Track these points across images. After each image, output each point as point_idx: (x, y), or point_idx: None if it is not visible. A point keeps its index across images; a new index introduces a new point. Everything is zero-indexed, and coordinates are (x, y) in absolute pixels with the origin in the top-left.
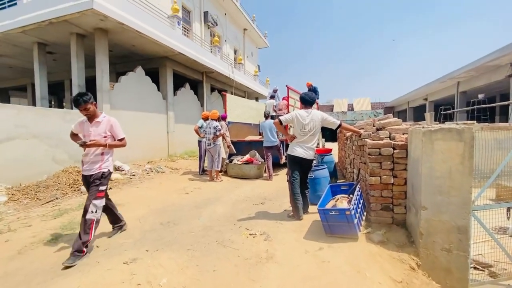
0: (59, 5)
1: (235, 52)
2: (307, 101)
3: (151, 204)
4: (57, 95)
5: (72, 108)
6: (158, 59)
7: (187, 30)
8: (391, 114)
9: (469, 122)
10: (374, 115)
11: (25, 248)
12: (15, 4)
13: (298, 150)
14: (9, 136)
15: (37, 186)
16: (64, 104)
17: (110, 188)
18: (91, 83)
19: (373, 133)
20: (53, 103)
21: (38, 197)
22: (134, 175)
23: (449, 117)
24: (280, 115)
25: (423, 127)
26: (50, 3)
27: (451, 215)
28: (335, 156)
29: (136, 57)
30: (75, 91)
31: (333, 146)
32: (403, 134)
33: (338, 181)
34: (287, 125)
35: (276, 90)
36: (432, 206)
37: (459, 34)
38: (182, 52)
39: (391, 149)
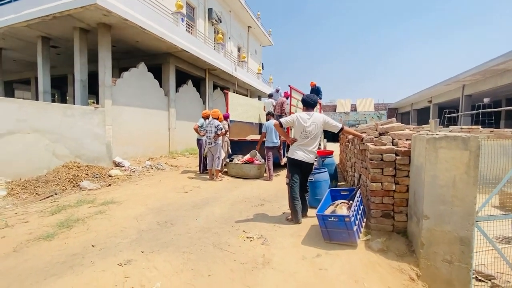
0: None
1: (238, 49)
2: (309, 103)
3: (149, 202)
4: (61, 89)
5: (74, 103)
6: (161, 55)
7: (191, 26)
8: (395, 119)
9: (473, 126)
10: (377, 116)
11: (21, 246)
12: None
13: (298, 154)
14: (10, 130)
15: (37, 181)
16: (67, 98)
17: (109, 184)
18: (94, 78)
19: (375, 137)
20: (56, 97)
21: (37, 192)
22: (134, 171)
23: (453, 120)
24: (280, 115)
25: (427, 134)
26: None
27: (454, 225)
28: (336, 158)
29: (139, 53)
30: (78, 87)
31: (335, 147)
32: (406, 140)
33: (338, 183)
34: (288, 127)
35: (278, 90)
36: (434, 215)
37: (464, 38)
38: (185, 49)
39: (394, 155)
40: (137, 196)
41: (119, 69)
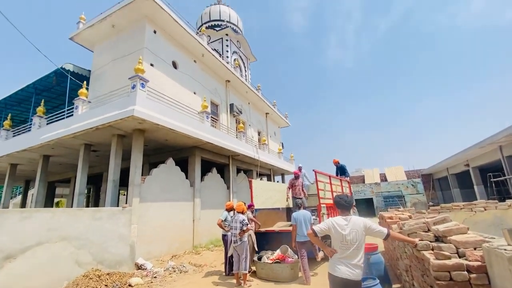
0: (106, 114)
1: (259, 133)
2: (343, 206)
3: None
4: (96, 184)
5: (105, 199)
6: (188, 149)
7: (215, 120)
8: (448, 215)
9: None
10: (412, 185)
11: None
12: (72, 115)
13: (341, 269)
14: (40, 240)
15: None
16: (100, 194)
17: None
18: (125, 174)
19: (431, 242)
20: (91, 191)
21: None
22: (155, 277)
23: (502, 185)
24: (298, 197)
25: (505, 249)
26: (99, 113)
27: None
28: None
29: (168, 149)
30: (109, 186)
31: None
32: (475, 248)
33: (392, 286)
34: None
35: (301, 167)
36: None
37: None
38: (210, 141)
39: (466, 273)
40: None
41: (149, 164)
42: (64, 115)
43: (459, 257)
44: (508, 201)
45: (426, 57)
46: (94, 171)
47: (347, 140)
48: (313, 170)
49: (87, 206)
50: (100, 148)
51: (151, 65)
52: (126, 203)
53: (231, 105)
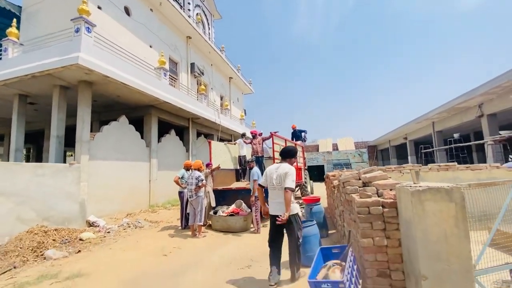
0: (44, 60)
1: (221, 98)
2: (281, 154)
3: (122, 273)
4: (37, 143)
5: (49, 159)
6: (143, 107)
7: (174, 79)
8: (376, 167)
9: (450, 164)
10: (359, 154)
11: None
12: (0, 59)
13: (271, 208)
14: None
15: None
16: (43, 153)
17: (79, 251)
18: (72, 132)
19: (359, 187)
20: (31, 151)
21: None
22: (108, 232)
23: (430, 155)
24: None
25: (410, 186)
26: (35, 58)
27: (454, 285)
28: (323, 200)
29: (121, 106)
30: (53, 142)
31: (321, 187)
32: (391, 190)
33: (329, 232)
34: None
35: (261, 133)
36: (432, 275)
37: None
38: (168, 100)
39: (381, 207)
40: (109, 265)
41: (99, 122)
42: None
43: (378, 197)
44: (430, 165)
45: (381, 36)
46: (34, 128)
47: (308, 111)
48: (270, 132)
49: None
50: (39, 100)
51: (99, 7)
52: (74, 160)
53: (192, 65)
